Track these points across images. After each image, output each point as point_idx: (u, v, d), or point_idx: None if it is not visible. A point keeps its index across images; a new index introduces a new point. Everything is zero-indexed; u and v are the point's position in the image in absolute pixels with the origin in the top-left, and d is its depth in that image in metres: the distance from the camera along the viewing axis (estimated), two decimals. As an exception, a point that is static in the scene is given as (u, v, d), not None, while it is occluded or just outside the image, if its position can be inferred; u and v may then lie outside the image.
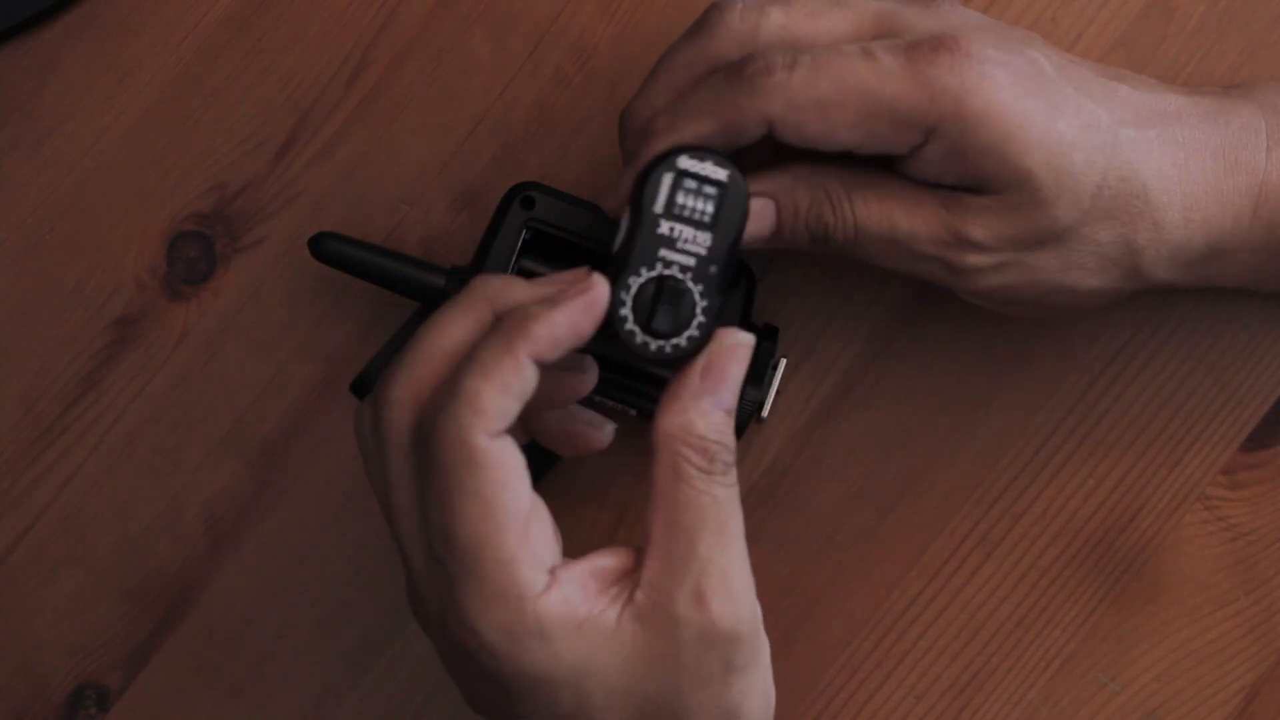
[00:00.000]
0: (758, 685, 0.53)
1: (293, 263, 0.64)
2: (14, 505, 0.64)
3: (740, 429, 0.60)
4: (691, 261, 0.53)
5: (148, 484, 0.64)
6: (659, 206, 0.52)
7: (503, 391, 0.50)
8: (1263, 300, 0.63)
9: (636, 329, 0.53)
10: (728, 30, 0.56)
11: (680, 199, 0.53)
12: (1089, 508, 0.63)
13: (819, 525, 0.63)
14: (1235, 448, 0.63)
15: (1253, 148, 0.56)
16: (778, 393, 0.61)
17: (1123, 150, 0.55)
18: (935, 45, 0.54)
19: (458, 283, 0.59)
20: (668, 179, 0.52)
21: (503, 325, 0.51)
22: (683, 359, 0.53)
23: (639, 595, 0.52)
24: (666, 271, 0.53)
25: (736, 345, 0.53)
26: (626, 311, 0.53)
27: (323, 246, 0.60)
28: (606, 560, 0.53)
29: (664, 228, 0.53)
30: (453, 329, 0.52)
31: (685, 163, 0.52)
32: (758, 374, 0.60)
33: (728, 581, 0.52)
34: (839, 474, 0.63)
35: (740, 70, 0.54)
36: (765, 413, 0.61)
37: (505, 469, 0.50)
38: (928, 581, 0.63)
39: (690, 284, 0.53)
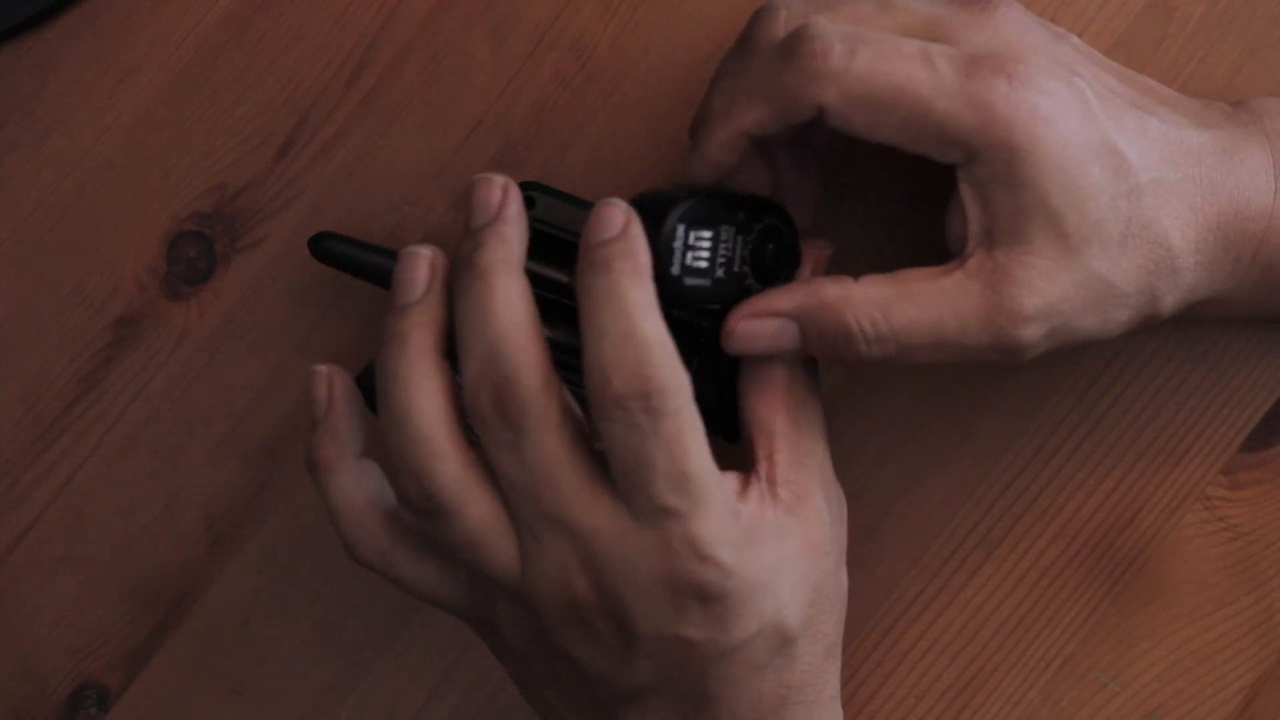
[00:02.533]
0: None
1: (293, 263, 0.64)
2: (14, 505, 0.64)
3: (739, 430, 0.60)
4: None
5: (148, 484, 0.64)
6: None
7: (659, 315, 0.52)
8: (1263, 300, 0.63)
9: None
10: (772, 40, 0.55)
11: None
12: (1089, 508, 0.63)
13: (819, 525, 0.63)
14: (1235, 448, 0.63)
15: (1262, 191, 0.56)
16: (778, 393, 0.61)
17: (1145, 198, 0.54)
18: (995, 68, 0.53)
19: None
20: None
21: (614, 267, 0.52)
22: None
23: (783, 492, 0.55)
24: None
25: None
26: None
27: (322, 246, 0.60)
28: (728, 479, 0.55)
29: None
30: (504, 301, 0.53)
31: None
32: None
33: (830, 468, 0.57)
34: (839, 474, 0.63)
35: (796, 49, 0.53)
36: (765, 413, 0.61)
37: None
38: (928, 581, 0.63)
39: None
